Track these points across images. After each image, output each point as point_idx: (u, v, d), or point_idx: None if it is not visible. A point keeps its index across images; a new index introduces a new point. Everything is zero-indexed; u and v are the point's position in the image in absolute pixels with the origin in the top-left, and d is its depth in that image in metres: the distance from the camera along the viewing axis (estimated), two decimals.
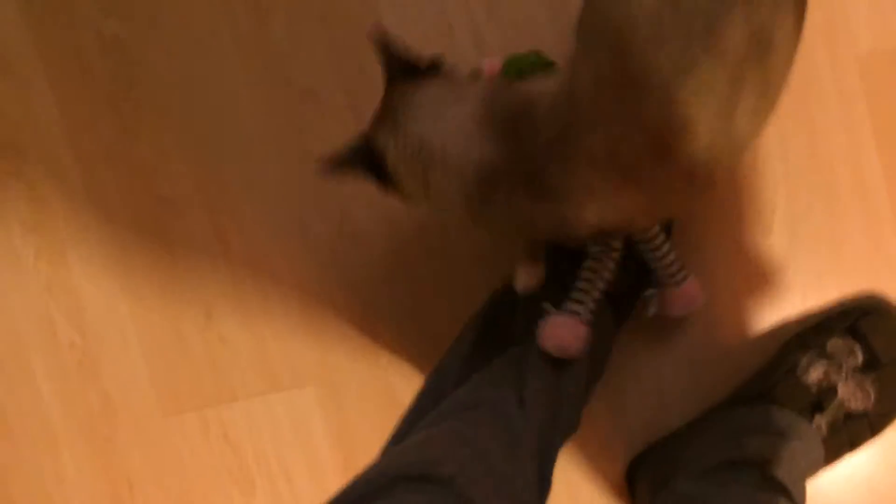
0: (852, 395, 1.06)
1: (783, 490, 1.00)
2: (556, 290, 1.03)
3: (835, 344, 1.08)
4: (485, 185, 0.82)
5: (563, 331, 0.99)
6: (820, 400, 1.06)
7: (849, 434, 1.08)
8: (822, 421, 1.06)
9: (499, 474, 0.83)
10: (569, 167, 0.77)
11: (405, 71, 0.88)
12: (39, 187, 1.41)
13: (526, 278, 1.01)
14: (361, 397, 1.32)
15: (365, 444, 1.35)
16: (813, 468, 1.07)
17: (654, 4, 0.71)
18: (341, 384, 1.34)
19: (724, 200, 1.17)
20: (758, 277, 1.17)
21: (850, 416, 1.07)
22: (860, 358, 1.07)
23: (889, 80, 1.08)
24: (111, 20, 1.34)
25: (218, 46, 1.32)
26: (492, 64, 1.11)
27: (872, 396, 1.06)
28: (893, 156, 1.10)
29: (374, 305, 1.31)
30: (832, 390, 1.06)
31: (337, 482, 1.37)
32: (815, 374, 1.07)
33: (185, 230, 1.36)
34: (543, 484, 0.94)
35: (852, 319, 1.09)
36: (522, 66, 1.08)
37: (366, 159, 0.89)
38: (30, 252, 1.43)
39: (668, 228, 1.08)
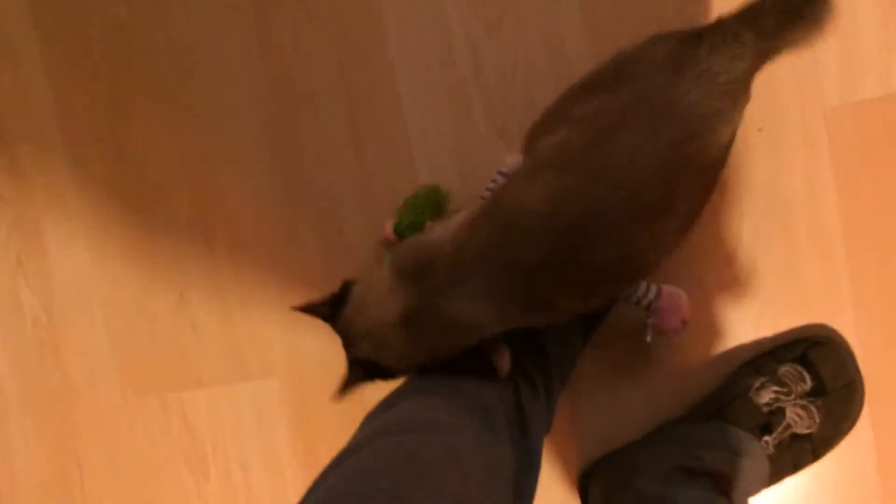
0: (799, 418, 1.13)
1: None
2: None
3: (786, 370, 1.15)
4: (412, 322, 0.97)
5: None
6: (769, 421, 1.13)
7: (793, 456, 1.14)
8: (770, 441, 1.13)
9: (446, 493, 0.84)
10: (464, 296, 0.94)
11: (333, 307, 1.06)
12: (22, 162, 1.42)
13: (503, 363, 1.07)
14: (326, 393, 1.33)
15: (326, 441, 1.36)
16: (759, 485, 1.13)
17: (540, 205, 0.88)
18: (308, 378, 1.35)
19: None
20: (717, 305, 1.24)
21: (795, 438, 1.13)
22: (808, 384, 1.14)
23: (851, 131, 1.18)
24: (117, 5, 1.37)
25: (221, 38, 1.35)
26: (388, 229, 1.23)
27: (817, 421, 1.13)
28: (851, 200, 1.18)
29: None
30: (781, 412, 1.13)
31: (293, 476, 1.40)
32: (765, 396, 1.14)
33: (169, 214, 1.38)
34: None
35: (803, 348, 1.17)
36: (416, 209, 1.22)
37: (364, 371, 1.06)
38: (3, 224, 1.43)
39: None
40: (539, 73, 1.25)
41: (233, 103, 1.35)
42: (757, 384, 1.15)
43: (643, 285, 1.13)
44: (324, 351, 1.34)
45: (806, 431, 1.13)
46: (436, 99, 1.29)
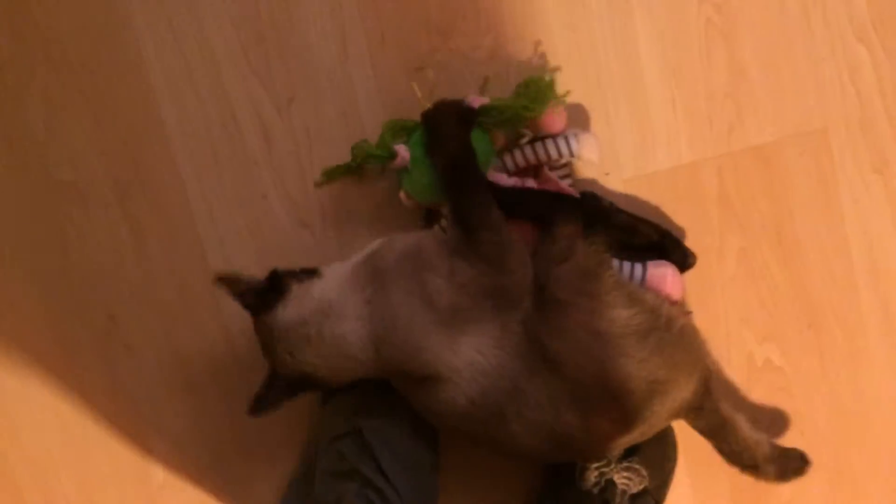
0: (629, 480, 1.14)
1: None
2: None
3: None
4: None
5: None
6: (606, 498, 1.12)
7: None
8: None
9: None
10: None
11: (259, 300, 1.04)
12: None
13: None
14: None
15: None
16: None
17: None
18: None
19: None
20: None
21: (635, 498, 1.13)
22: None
23: (648, 198, 1.22)
24: None
25: None
26: (402, 152, 1.09)
27: (644, 474, 1.14)
28: None
29: None
30: (611, 484, 1.13)
31: None
32: (591, 477, 1.13)
33: None
34: None
35: None
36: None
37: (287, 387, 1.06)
38: None
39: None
40: (335, 150, 1.18)
41: None
42: (578, 470, 1.14)
43: (626, 266, 1.13)
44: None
45: (640, 488, 1.14)
46: (225, 184, 1.19)
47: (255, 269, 1.15)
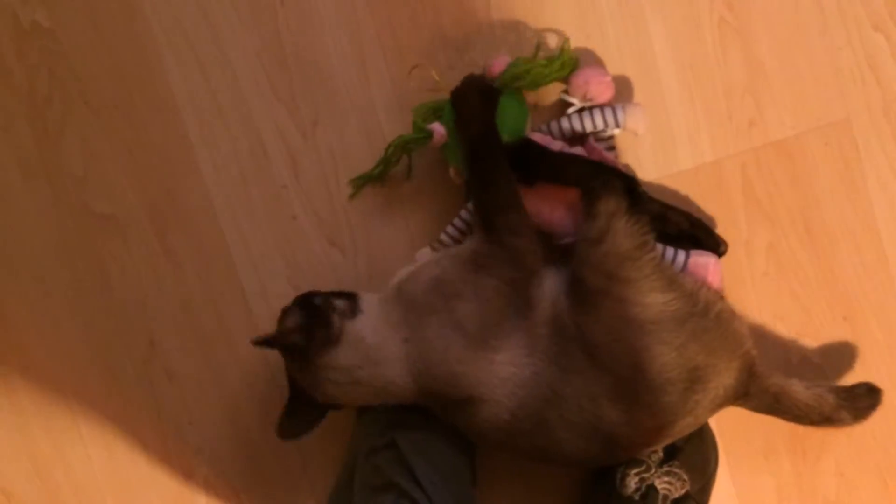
0: (670, 485, 1.12)
1: None
2: None
3: None
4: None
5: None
6: (648, 503, 1.13)
7: None
8: None
9: None
10: None
11: (309, 338, 1.04)
12: None
13: None
14: None
15: None
16: None
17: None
18: None
19: None
20: None
21: (677, 503, 1.12)
22: (660, 451, 1.14)
23: (673, 199, 1.22)
24: None
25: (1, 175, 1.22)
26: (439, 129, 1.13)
27: (686, 479, 1.13)
28: None
29: None
30: (652, 489, 1.12)
31: None
32: (631, 483, 1.12)
33: None
34: None
35: None
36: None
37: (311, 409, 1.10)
38: None
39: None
40: (362, 168, 1.20)
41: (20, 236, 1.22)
42: (618, 476, 1.14)
43: (669, 252, 1.13)
44: None
45: (682, 492, 1.13)
46: (255, 210, 1.22)
47: (287, 288, 1.21)
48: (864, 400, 1.13)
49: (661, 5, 1.19)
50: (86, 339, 1.23)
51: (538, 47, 1.14)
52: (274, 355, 1.11)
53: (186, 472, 1.25)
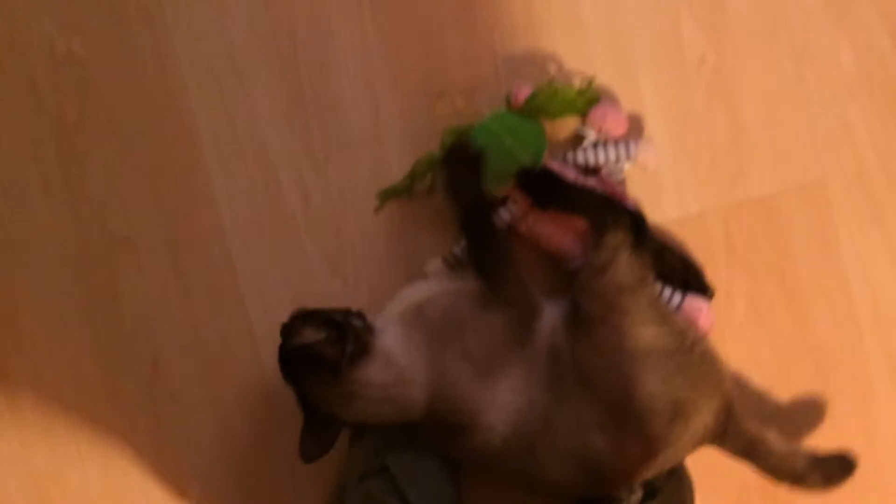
0: None
1: None
2: None
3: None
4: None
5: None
6: None
7: None
8: None
9: None
10: None
11: (339, 353, 1.07)
12: None
13: None
14: None
15: None
16: None
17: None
18: None
19: None
20: None
21: None
22: (639, 493, 1.17)
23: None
24: None
25: (20, 184, 1.28)
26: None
27: None
28: None
29: None
30: None
31: None
32: None
33: None
34: None
35: None
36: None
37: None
38: None
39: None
40: (368, 204, 1.28)
41: (37, 252, 1.28)
42: None
43: (667, 291, 1.21)
44: None
45: None
46: (266, 238, 1.28)
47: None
48: (837, 466, 1.17)
49: (653, 67, 1.28)
50: (93, 354, 1.28)
51: (550, 83, 1.23)
52: (275, 384, 1.16)
53: (180, 492, 1.28)
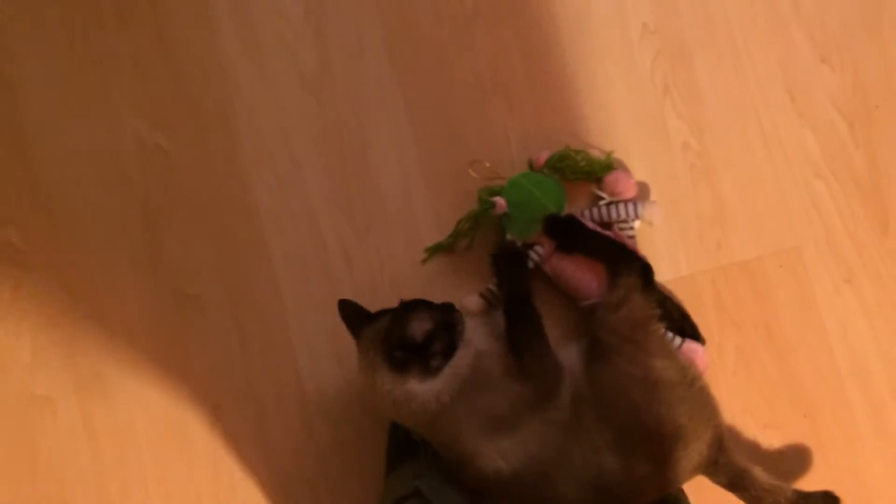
0: None
1: None
2: None
3: None
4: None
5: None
6: None
7: None
8: None
9: None
10: None
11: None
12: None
13: None
14: None
15: None
16: None
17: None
18: None
19: None
20: None
21: None
22: None
23: None
24: (8, 228, 1.49)
25: (110, 254, 1.49)
26: (500, 202, 1.40)
27: None
28: None
29: None
30: None
31: None
32: None
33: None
34: None
35: None
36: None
37: None
38: None
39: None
40: (403, 269, 1.47)
41: (120, 308, 1.48)
42: None
43: (669, 334, 1.36)
44: None
45: None
46: (314, 297, 1.48)
47: (333, 367, 1.44)
48: (821, 502, 1.26)
49: (644, 152, 1.49)
50: (163, 398, 1.45)
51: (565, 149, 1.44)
52: (320, 429, 1.35)
53: None
